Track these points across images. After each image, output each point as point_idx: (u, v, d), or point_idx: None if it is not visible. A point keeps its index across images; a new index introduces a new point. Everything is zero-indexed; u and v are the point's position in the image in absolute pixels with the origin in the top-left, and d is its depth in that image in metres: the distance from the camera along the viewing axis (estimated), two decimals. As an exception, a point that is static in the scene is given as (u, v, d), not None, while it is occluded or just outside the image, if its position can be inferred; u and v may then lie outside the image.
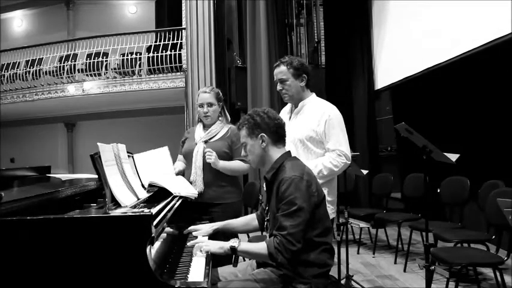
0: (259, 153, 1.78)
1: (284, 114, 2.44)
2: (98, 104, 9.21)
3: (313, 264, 1.68)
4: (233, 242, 1.66)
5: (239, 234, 2.63)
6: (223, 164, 2.49)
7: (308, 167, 1.81)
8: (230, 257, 1.68)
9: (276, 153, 1.78)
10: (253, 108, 2.05)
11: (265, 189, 1.91)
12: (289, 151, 1.83)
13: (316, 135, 2.23)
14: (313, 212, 1.65)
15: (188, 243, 1.72)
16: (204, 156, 2.49)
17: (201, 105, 2.61)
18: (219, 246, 1.69)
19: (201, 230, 2.00)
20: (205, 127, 2.65)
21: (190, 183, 2.50)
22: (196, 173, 2.52)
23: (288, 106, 2.46)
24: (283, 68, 2.29)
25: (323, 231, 1.71)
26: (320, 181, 2.05)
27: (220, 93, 2.69)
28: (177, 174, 2.59)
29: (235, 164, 2.55)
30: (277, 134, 1.79)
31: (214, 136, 2.59)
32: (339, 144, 2.21)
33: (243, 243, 1.68)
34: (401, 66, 5.64)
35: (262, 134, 1.75)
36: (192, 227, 2.06)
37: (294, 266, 1.67)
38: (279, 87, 2.33)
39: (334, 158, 2.19)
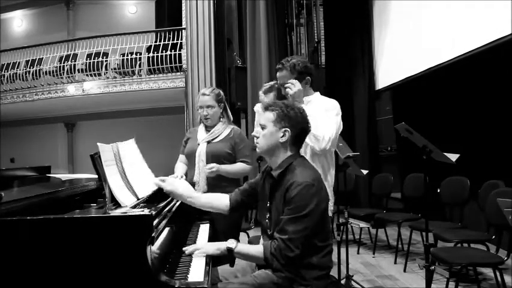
0: (274, 143, 1.71)
1: None
2: (98, 104, 9.20)
3: (315, 267, 1.67)
4: (230, 243, 1.66)
5: (240, 235, 2.63)
6: (225, 169, 2.49)
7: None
8: (229, 256, 1.68)
9: (287, 152, 1.73)
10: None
11: (262, 181, 1.86)
12: (298, 152, 1.78)
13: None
14: (321, 218, 1.63)
15: (186, 252, 1.70)
16: (205, 156, 2.50)
17: (201, 107, 2.60)
18: (216, 247, 1.69)
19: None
20: (208, 128, 2.64)
21: (193, 184, 2.49)
22: (199, 174, 2.52)
23: None
24: (285, 73, 2.25)
25: (326, 234, 1.71)
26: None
27: (222, 94, 2.65)
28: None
29: (237, 167, 2.55)
30: (299, 138, 1.74)
31: (217, 137, 2.58)
32: (326, 130, 2.14)
33: (240, 245, 1.67)
34: (402, 66, 5.63)
35: (288, 129, 1.69)
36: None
37: (295, 269, 1.65)
38: (283, 91, 2.31)
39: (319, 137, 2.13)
